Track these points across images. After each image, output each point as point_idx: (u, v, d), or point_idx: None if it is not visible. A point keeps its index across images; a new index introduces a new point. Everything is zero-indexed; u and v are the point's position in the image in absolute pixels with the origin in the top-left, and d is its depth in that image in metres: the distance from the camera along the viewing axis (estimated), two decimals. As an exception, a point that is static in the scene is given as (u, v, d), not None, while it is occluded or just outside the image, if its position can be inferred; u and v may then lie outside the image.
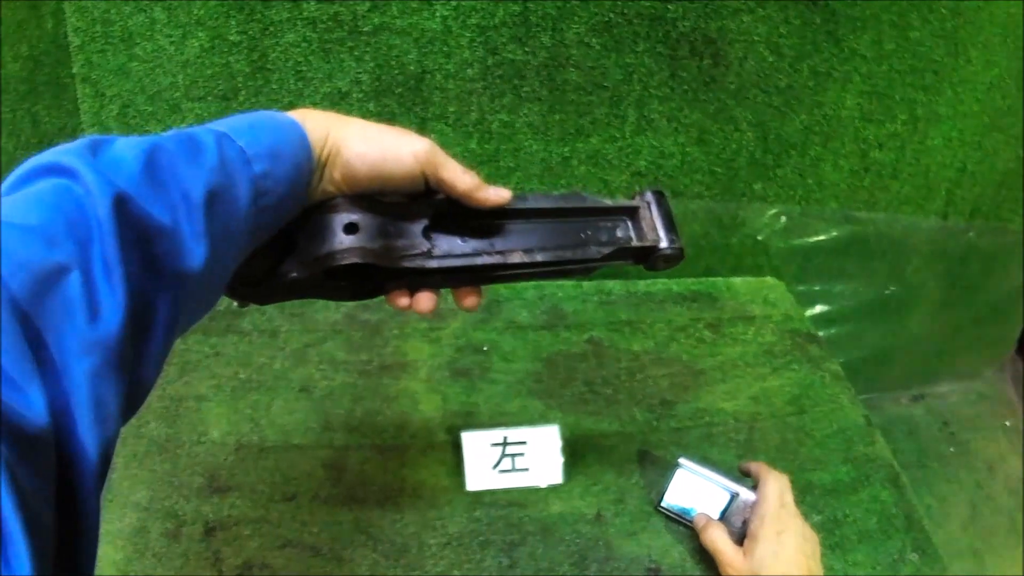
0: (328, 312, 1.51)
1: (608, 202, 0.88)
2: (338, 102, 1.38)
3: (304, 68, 1.37)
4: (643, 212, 0.89)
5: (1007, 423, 2.43)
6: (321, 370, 1.41)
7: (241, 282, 0.77)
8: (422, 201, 0.80)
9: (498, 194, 0.80)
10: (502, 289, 1.57)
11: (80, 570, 0.51)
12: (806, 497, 1.24)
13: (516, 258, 0.82)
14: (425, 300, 0.83)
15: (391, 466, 1.29)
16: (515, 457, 1.26)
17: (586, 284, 1.61)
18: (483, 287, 0.87)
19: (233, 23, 1.34)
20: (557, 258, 0.84)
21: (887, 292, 1.95)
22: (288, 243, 0.77)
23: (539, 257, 0.83)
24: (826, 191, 1.68)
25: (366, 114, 1.31)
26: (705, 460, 1.21)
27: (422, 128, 1.42)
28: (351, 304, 1.48)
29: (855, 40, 1.50)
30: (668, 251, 0.88)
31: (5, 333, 0.46)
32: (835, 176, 1.67)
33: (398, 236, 0.79)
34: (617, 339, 1.48)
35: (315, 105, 1.38)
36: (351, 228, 0.76)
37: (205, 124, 0.67)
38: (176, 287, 0.59)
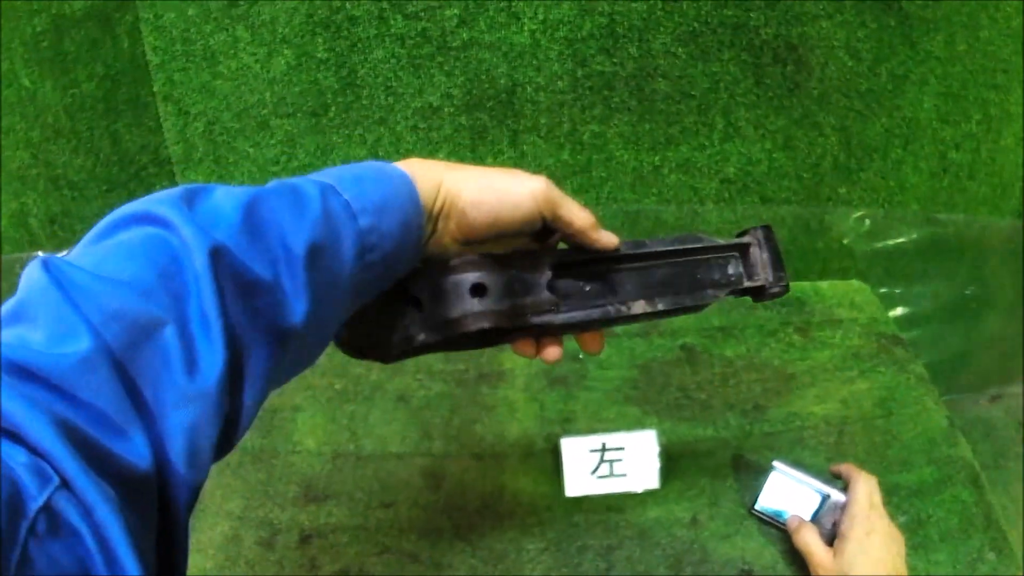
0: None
1: (720, 241, 0.88)
2: (430, 117, 1.39)
3: (394, 83, 1.38)
4: (753, 250, 0.89)
5: None
6: (418, 380, 1.43)
7: (363, 342, 0.78)
8: (543, 252, 0.80)
9: (609, 238, 0.79)
10: None
11: None
12: (892, 498, 1.23)
13: (639, 308, 0.82)
14: (552, 351, 0.82)
15: (490, 474, 1.30)
16: (613, 463, 1.26)
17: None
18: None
19: (320, 40, 1.35)
20: (676, 304, 0.84)
21: (966, 293, 1.92)
22: (408, 298, 0.76)
23: (660, 306, 0.83)
24: (907, 193, 1.66)
25: (458, 128, 1.34)
26: (797, 463, 1.22)
27: (514, 140, 1.43)
28: None
29: (929, 42, 1.48)
30: (776, 289, 0.89)
31: (105, 386, 0.47)
32: (915, 178, 1.65)
33: (524, 293, 0.78)
34: (710, 345, 1.48)
35: (406, 120, 1.39)
36: (479, 290, 0.74)
37: (310, 175, 0.66)
38: (275, 342, 0.58)
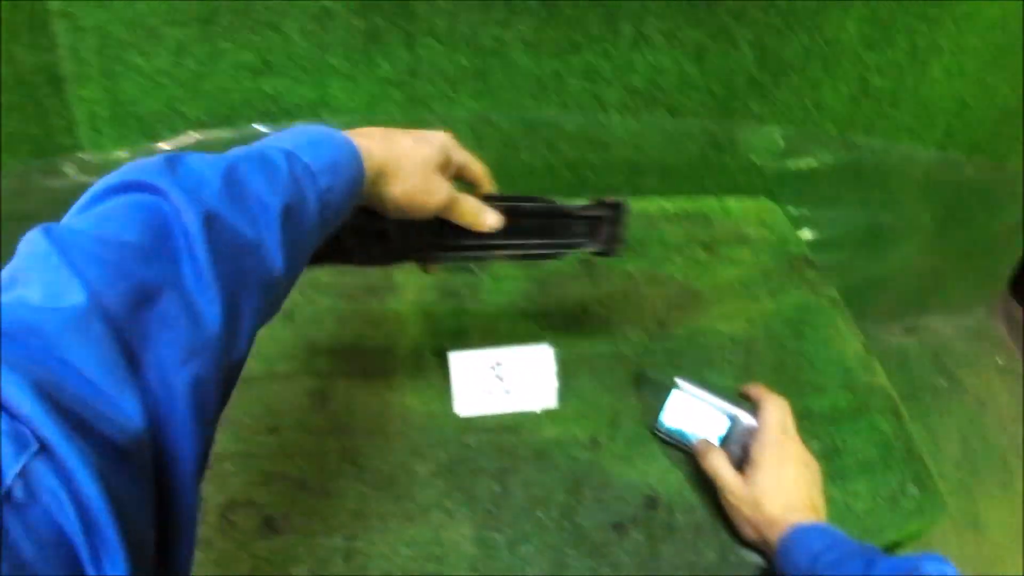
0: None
1: (577, 211, 1.11)
2: (323, 19, 1.31)
3: (286, -15, 1.29)
4: (602, 221, 1.13)
5: (999, 360, 2.41)
6: (304, 295, 1.35)
7: None
8: None
9: (494, 220, 1.00)
10: None
11: (177, 565, 0.54)
12: (804, 423, 1.17)
13: (501, 253, 1.07)
14: (435, 270, 1.07)
15: (378, 392, 1.23)
16: (507, 380, 1.21)
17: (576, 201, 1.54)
18: None
19: (207, -55, 1.27)
20: (531, 253, 1.09)
21: (881, 221, 1.91)
22: None
23: (520, 252, 1.08)
24: (824, 114, 1.63)
25: (351, 31, 1.26)
26: (702, 383, 1.17)
27: (410, 43, 1.35)
28: None
29: None
30: (612, 255, 1.16)
31: (97, 346, 0.49)
32: (834, 100, 1.62)
33: (417, 235, 1.00)
34: (610, 258, 1.42)
35: (299, 23, 1.31)
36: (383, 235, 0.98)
37: (267, 140, 0.75)
38: (261, 293, 0.64)
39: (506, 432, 1.21)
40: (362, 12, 1.32)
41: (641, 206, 1.56)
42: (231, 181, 0.63)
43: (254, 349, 1.12)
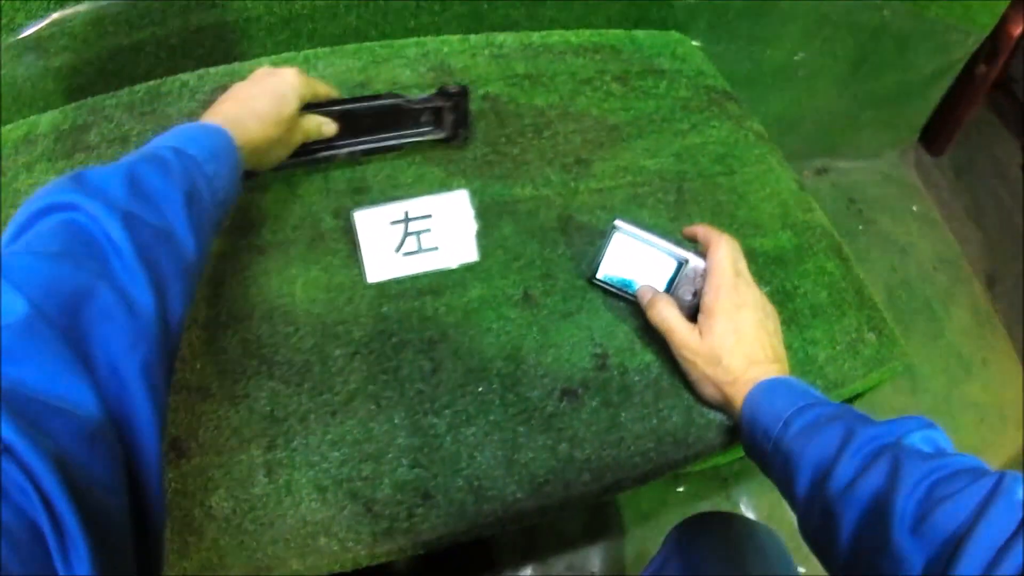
0: (183, 103, 1.23)
1: (417, 101, 1.14)
2: None
3: None
4: (445, 109, 1.15)
5: (914, 208, 2.37)
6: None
7: None
8: None
9: (331, 128, 1.08)
10: (378, 48, 1.32)
11: (152, 549, 0.59)
12: (751, 266, 1.04)
13: (353, 147, 1.13)
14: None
15: (275, 269, 1.04)
16: (420, 235, 1.03)
17: (473, 37, 1.37)
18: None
19: None
20: (378, 147, 1.15)
21: (795, 59, 1.82)
22: None
23: (365, 147, 1.14)
24: None
25: None
26: (638, 224, 1.01)
27: None
28: (209, 89, 1.27)
29: None
30: (456, 141, 1.18)
31: (45, 348, 0.54)
32: (751, -72, 1.47)
33: None
34: (516, 94, 1.25)
35: None
36: None
37: (153, 141, 0.83)
38: (182, 274, 0.71)
39: (427, 295, 1.04)
40: None
41: (544, 39, 1.40)
42: (134, 183, 0.71)
43: None
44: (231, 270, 1.04)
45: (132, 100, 1.23)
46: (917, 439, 0.74)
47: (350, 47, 1.32)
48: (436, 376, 0.97)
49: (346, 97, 1.12)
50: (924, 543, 0.63)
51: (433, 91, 1.15)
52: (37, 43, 1.18)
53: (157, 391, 0.61)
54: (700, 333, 0.94)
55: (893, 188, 2.37)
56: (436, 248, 1.04)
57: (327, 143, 1.10)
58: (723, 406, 0.96)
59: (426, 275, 1.05)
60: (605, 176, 1.19)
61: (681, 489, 1.71)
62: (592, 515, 1.66)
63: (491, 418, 0.95)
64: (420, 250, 1.03)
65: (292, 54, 1.30)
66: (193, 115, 1.20)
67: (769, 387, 0.89)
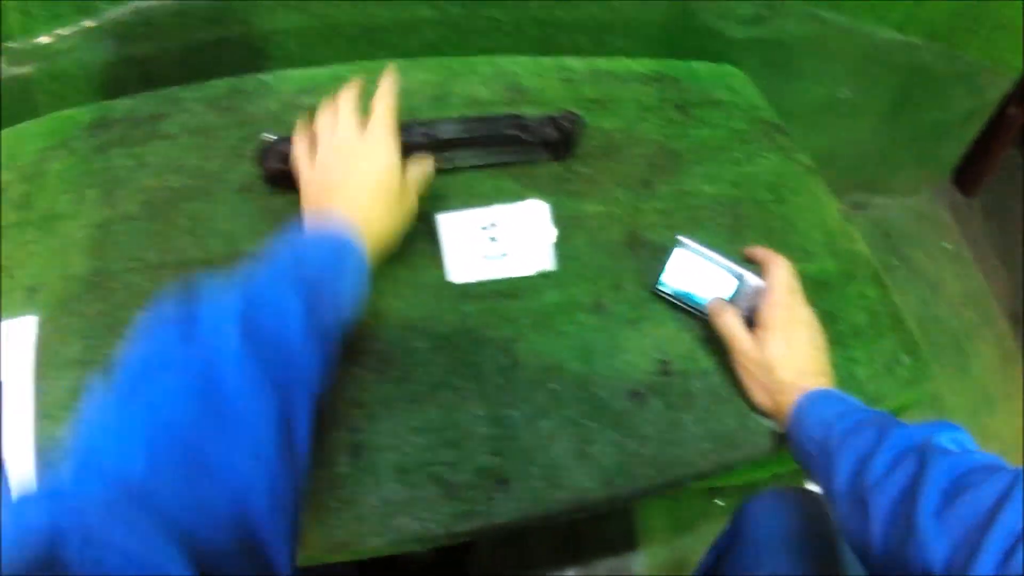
0: (264, 102, 1.29)
1: (535, 127, 1.21)
2: None
3: None
4: (559, 137, 1.21)
5: (946, 245, 2.39)
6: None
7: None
8: None
9: (431, 168, 1.06)
10: (455, 64, 1.39)
11: None
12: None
13: (470, 162, 1.19)
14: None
15: (365, 260, 1.10)
16: (502, 241, 1.10)
17: (545, 59, 1.43)
18: None
19: None
20: (494, 161, 1.21)
21: (838, 97, 1.86)
22: None
23: (480, 162, 1.21)
24: None
25: None
26: (699, 241, 1.08)
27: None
28: (290, 91, 1.30)
29: None
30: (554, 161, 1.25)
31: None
32: (802, -30, 1.53)
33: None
34: (586, 116, 1.28)
35: None
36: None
37: (279, 258, 0.82)
38: (307, 403, 0.72)
39: (505, 298, 1.09)
40: None
41: (610, 66, 1.46)
42: (249, 332, 0.68)
43: (211, 229, 1.13)
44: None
45: (212, 94, 1.28)
46: (944, 439, 0.79)
47: (428, 61, 1.38)
48: (514, 372, 1.02)
49: (460, 117, 1.19)
50: (948, 529, 0.67)
51: (547, 115, 1.22)
52: (115, 30, 1.22)
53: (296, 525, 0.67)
54: (757, 344, 1.00)
55: (927, 226, 2.39)
56: (515, 254, 1.10)
57: (448, 155, 1.16)
58: (772, 411, 1.01)
59: (505, 280, 1.10)
60: (668, 198, 1.24)
61: (722, 503, 1.75)
62: (634, 522, 1.70)
63: (564, 413, 1.00)
64: (500, 256, 1.09)
65: (371, 63, 1.33)
66: (274, 114, 1.26)
67: (817, 397, 0.95)
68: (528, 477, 0.96)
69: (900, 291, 2.08)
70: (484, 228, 1.08)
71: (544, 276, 1.11)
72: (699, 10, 1.51)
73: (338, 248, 0.86)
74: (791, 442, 0.97)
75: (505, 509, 0.93)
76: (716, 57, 1.56)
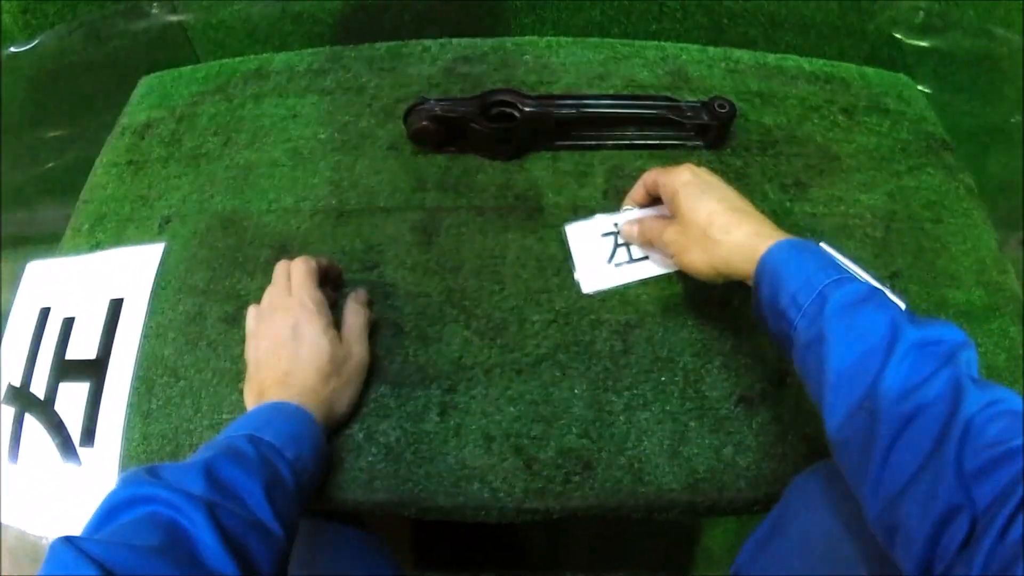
0: (423, 66, 1.25)
1: (689, 111, 1.13)
2: None
3: None
4: (713, 124, 1.13)
5: None
6: (414, 125, 1.16)
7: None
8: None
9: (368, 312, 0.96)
10: (619, 45, 1.31)
11: None
12: (940, 313, 1.02)
13: (622, 141, 1.14)
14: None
15: (491, 230, 1.06)
16: (631, 246, 1.04)
17: (712, 49, 1.34)
18: None
19: None
20: (644, 143, 1.15)
21: (1012, 120, 1.67)
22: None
23: (631, 142, 1.15)
24: None
25: None
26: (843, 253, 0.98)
27: None
28: (450, 58, 1.26)
29: None
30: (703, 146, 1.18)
31: None
32: (977, -18, 1.40)
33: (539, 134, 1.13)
34: (747, 110, 1.21)
35: None
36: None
37: (231, 430, 0.77)
38: (273, 560, 0.67)
39: (633, 285, 1.02)
40: None
41: (779, 62, 1.36)
42: (212, 479, 0.67)
43: (352, 180, 1.12)
44: (448, 224, 1.06)
45: (372, 55, 1.26)
46: (964, 360, 0.66)
47: (592, 40, 1.31)
48: (625, 357, 0.96)
49: (609, 94, 1.16)
50: (979, 485, 0.56)
51: (701, 100, 1.14)
52: None
53: None
54: (682, 221, 0.89)
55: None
56: (646, 257, 1.02)
57: (596, 132, 1.12)
58: (728, 276, 0.86)
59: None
60: (819, 202, 1.15)
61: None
62: (684, 540, 1.59)
63: (667, 407, 0.93)
64: (631, 260, 1.02)
65: (534, 39, 1.30)
66: (431, 79, 1.23)
67: (795, 247, 0.79)
68: (613, 466, 0.90)
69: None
70: (612, 233, 1.02)
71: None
72: (874, 12, 1.40)
73: (284, 410, 0.81)
74: (761, 300, 0.80)
75: (581, 494, 0.88)
76: (888, 64, 1.45)
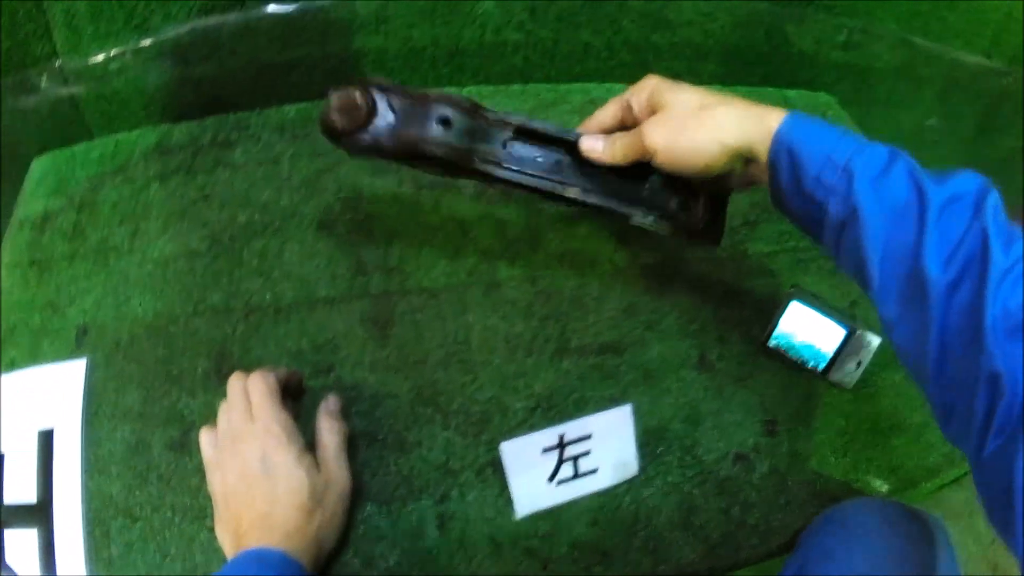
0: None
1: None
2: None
3: None
4: (697, 203, 0.90)
5: None
6: (341, 200, 1.11)
7: (341, 125, 0.84)
8: (512, 115, 0.88)
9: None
10: (544, 91, 1.31)
11: None
12: None
13: (572, 193, 0.89)
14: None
15: (449, 313, 1.01)
16: (577, 460, 0.92)
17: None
18: None
19: None
20: (605, 205, 0.89)
21: (927, 123, 1.78)
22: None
23: (591, 200, 0.89)
24: (888, 11, 1.46)
25: None
26: (804, 290, 1.00)
27: None
28: None
29: None
30: (701, 239, 0.92)
31: None
32: (897, -5, 1.46)
33: (482, 140, 0.87)
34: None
35: None
36: (445, 123, 0.85)
37: None
38: None
39: (607, 353, 0.99)
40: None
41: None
42: None
43: (283, 270, 1.04)
44: (401, 311, 1.01)
45: (282, 120, 1.20)
46: (991, 208, 0.66)
47: (515, 88, 1.29)
48: (618, 432, 0.93)
49: None
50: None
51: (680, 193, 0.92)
52: (174, 49, 1.15)
53: None
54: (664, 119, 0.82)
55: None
56: (595, 470, 0.91)
57: (551, 177, 0.88)
58: (735, 150, 0.78)
59: (608, 334, 1.01)
60: (771, 239, 1.14)
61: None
62: None
63: (668, 479, 0.91)
64: (576, 475, 0.90)
65: (455, 88, 1.26)
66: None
67: (805, 121, 0.75)
68: (630, 550, 0.86)
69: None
70: (555, 448, 0.88)
71: (648, 327, 1.02)
72: (797, 35, 1.42)
73: (269, 561, 0.73)
74: (780, 179, 0.76)
75: (604, 583, 0.84)
76: (810, 84, 1.49)
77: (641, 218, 0.89)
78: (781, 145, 0.74)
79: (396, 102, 0.84)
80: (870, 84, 1.58)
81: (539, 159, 0.89)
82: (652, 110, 0.83)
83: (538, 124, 0.88)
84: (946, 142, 1.85)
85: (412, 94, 0.85)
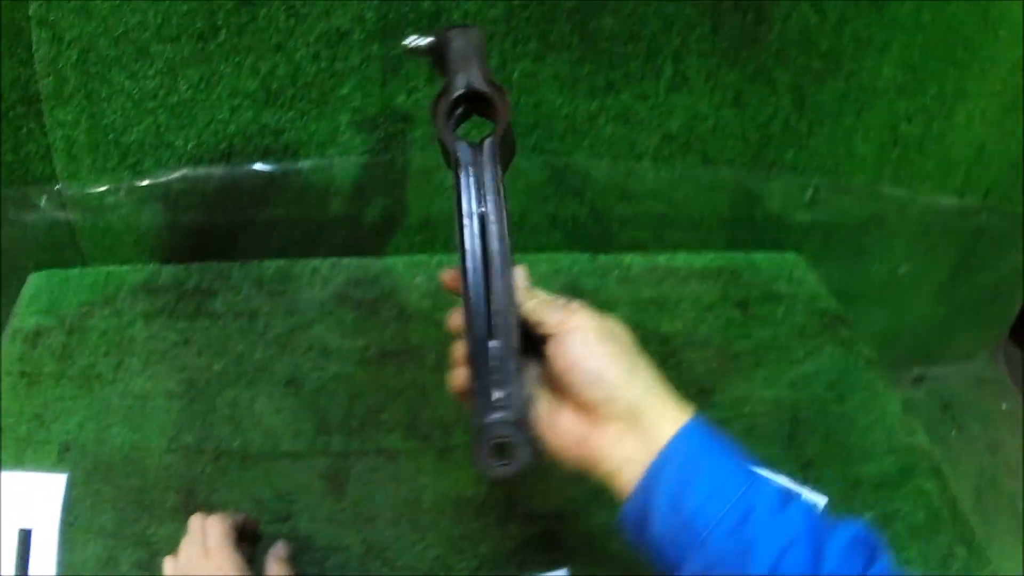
0: (314, 290, 1.26)
1: None
2: (335, 43, 1.12)
3: (297, 2, 1.09)
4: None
5: (1004, 406, 2.31)
6: (310, 359, 1.17)
7: None
8: None
9: None
10: None
11: None
12: (857, 494, 1.07)
13: None
14: None
15: (404, 475, 1.05)
16: None
17: (603, 257, 1.39)
18: None
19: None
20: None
21: (900, 272, 1.80)
22: None
23: None
24: (855, 164, 1.50)
25: (368, 58, 1.12)
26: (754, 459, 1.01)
27: (432, 76, 1.14)
28: (341, 281, 1.26)
29: (896, 8, 1.32)
30: None
31: None
32: (865, 148, 1.48)
33: None
34: (644, 319, 1.26)
35: (307, 47, 1.12)
36: None
37: None
38: None
39: (552, 519, 1.03)
40: (381, 37, 1.13)
41: (669, 262, 1.42)
42: None
43: (253, 420, 1.08)
44: (358, 470, 1.05)
45: (261, 275, 1.26)
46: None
47: (482, 258, 1.34)
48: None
49: None
50: None
51: None
52: (165, 193, 1.20)
53: None
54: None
55: (986, 388, 2.31)
56: None
57: None
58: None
59: (552, 500, 1.04)
60: (725, 407, 1.18)
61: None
62: None
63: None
64: None
65: (425, 257, 1.32)
66: (324, 305, 1.24)
67: (697, 436, 0.68)
68: None
69: (958, 462, 2.05)
70: None
71: (592, 497, 1.03)
72: (763, 197, 1.47)
73: None
74: (655, 518, 0.65)
75: None
76: (778, 244, 1.53)
77: None
78: (667, 463, 0.66)
79: None
80: (839, 239, 1.61)
81: None
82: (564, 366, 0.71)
83: None
84: (919, 288, 1.87)
85: None
